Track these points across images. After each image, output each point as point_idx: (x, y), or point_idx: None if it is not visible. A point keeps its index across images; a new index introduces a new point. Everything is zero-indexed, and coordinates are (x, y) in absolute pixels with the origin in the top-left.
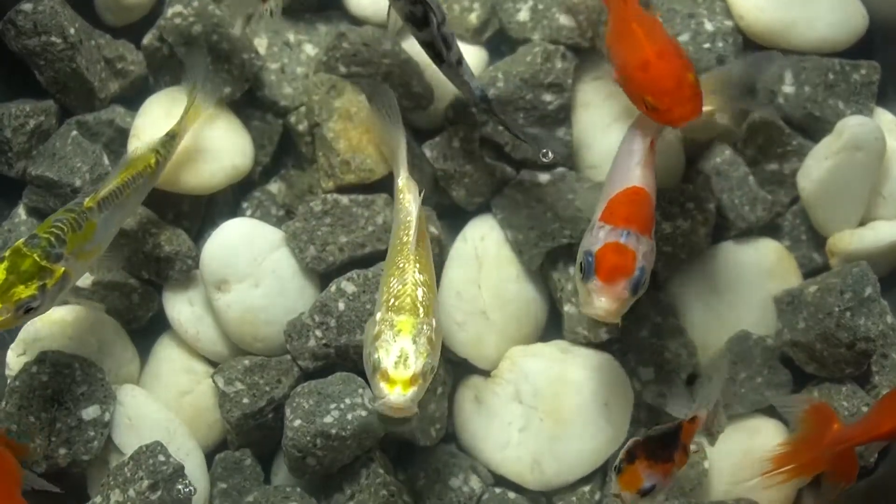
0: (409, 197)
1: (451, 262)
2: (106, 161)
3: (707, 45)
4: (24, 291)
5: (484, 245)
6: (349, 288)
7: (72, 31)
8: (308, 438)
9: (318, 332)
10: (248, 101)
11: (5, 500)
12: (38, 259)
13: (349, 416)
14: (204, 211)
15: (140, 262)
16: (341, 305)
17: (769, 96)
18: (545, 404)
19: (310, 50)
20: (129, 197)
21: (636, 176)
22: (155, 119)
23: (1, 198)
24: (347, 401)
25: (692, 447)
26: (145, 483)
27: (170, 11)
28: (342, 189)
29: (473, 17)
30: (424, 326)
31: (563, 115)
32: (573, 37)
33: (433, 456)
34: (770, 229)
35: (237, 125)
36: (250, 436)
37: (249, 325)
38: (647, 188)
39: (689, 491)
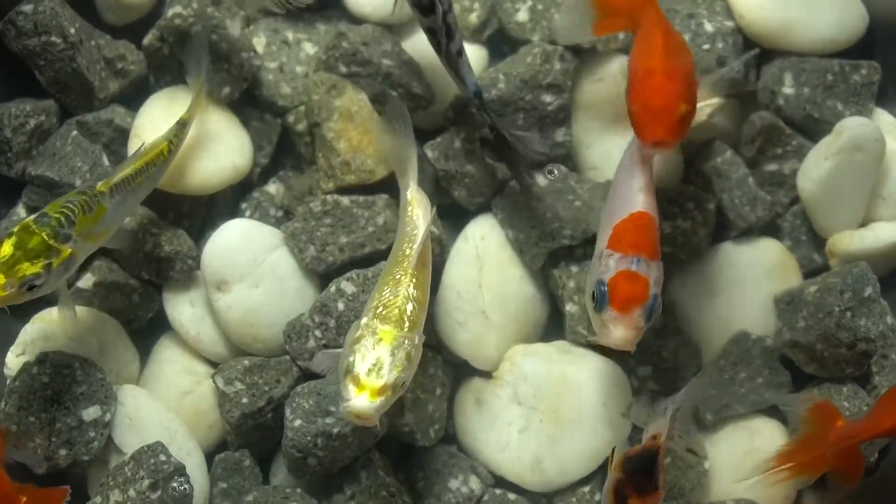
0: (417, 211)
1: (451, 262)
2: (106, 161)
3: (707, 46)
4: (29, 268)
5: (485, 245)
6: (349, 288)
7: (72, 31)
8: (309, 438)
9: (318, 333)
10: (247, 100)
11: None
12: (46, 238)
13: None
14: (204, 211)
15: (140, 262)
16: (341, 306)
17: (769, 97)
18: (546, 405)
19: (309, 49)
20: (141, 184)
21: (639, 201)
22: (155, 119)
23: (0, 197)
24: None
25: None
26: (145, 483)
27: (170, 12)
28: (342, 190)
29: (474, 17)
30: (406, 341)
31: (563, 116)
32: None
33: (433, 456)
34: (770, 230)
35: (236, 125)
36: (250, 436)
37: (249, 326)
38: (652, 212)
39: (689, 491)
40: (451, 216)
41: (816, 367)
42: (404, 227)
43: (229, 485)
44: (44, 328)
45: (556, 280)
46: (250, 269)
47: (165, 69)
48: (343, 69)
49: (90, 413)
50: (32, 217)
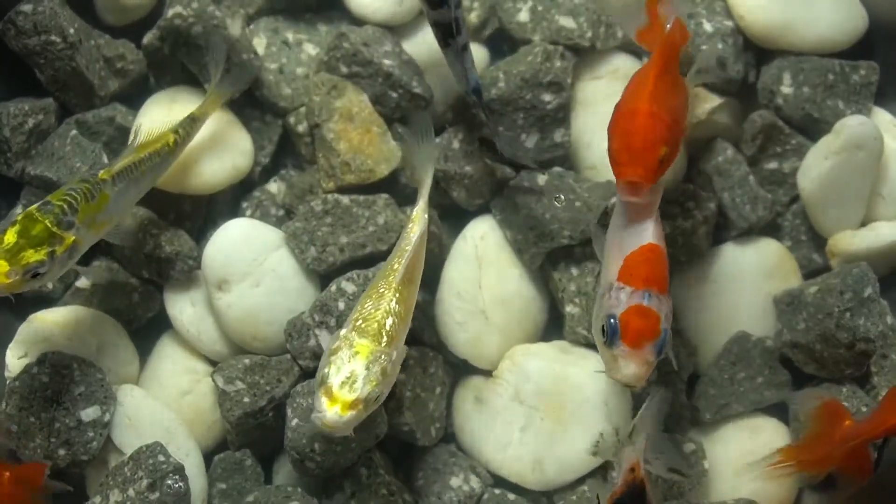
0: (416, 229)
1: (451, 262)
2: (105, 160)
3: (706, 47)
4: (32, 256)
5: (484, 245)
6: (349, 288)
7: (71, 30)
8: (308, 439)
9: (319, 332)
10: (248, 101)
11: None
12: (49, 225)
13: None
14: (205, 211)
15: (141, 262)
16: (341, 305)
17: (768, 96)
18: (546, 404)
19: (310, 50)
20: (144, 174)
21: (650, 233)
22: (155, 118)
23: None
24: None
25: (692, 445)
26: (144, 483)
27: (170, 12)
28: (343, 189)
29: (474, 17)
30: (382, 356)
31: (562, 115)
32: (573, 37)
33: (433, 456)
34: (770, 229)
35: (237, 125)
36: (251, 435)
37: (250, 325)
38: (662, 244)
39: (689, 491)
40: (451, 217)
41: (816, 368)
42: (400, 242)
43: (229, 485)
44: (43, 328)
45: (556, 283)
46: (251, 269)
47: (165, 69)
48: (344, 69)
49: (89, 413)
50: (36, 205)
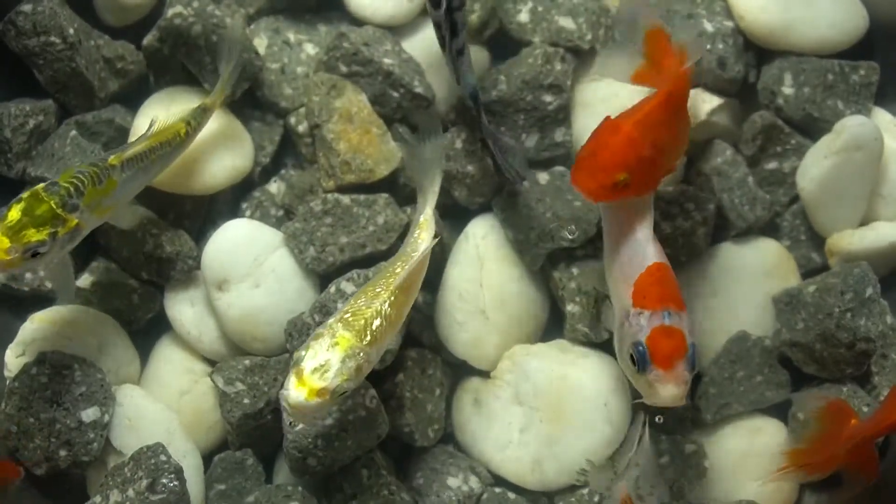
0: (424, 236)
1: (452, 262)
2: None
3: (706, 47)
4: (34, 235)
5: (485, 244)
6: (349, 288)
7: (71, 31)
8: (309, 440)
9: None
10: (248, 101)
11: None
12: (54, 206)
13: (350, 417)
14: (205, 211)
15: (141, 262)
16: (341, 305)
17: (769, 96)
18: (546, 404)
19: (310, 50)
20: (153, 162)
21: (650, 252)
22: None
23: (0, 198)
24: (349, 401)
25: (693, 447)
26: (144, 483)
27: (170, 12)
28: (343, 189)
29: (475, 18)
30: (361, 353)
31: (563, 116)
32: (573, 38)
33: (431, 456)
34: (769, 229)
35: (237, 125)
36: (251, 436)
37: (249, 325)
38: (665, 261)
39: (689, 491)
40: (452, 216)
41: (817, 368)
42: (405, 246)
43: (228, 486)
44: (43, 328)
45: (557, 282)
46: (251, 269)
47: (165, 69)
48: (344, 69)
49: (89, 414)
50: (43, 185)
